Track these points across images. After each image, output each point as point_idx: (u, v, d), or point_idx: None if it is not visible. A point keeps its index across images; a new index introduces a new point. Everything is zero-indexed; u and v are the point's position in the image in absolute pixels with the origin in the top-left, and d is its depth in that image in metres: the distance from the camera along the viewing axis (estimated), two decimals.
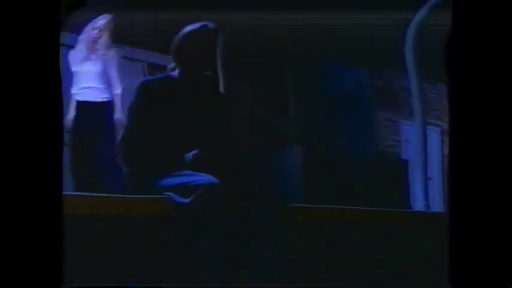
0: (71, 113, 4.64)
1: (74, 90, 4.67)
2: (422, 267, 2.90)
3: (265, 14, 4.93)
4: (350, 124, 7.30)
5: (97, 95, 4.67)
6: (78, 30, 4.73)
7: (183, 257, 2.45)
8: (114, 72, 4.70)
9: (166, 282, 2.44)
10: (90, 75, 4.68)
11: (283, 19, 5.28)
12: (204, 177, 2.57)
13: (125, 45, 5.42)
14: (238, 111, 3.11)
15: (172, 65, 2.99)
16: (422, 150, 4.40)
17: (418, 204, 4.34)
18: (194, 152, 2.77)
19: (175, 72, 2.97)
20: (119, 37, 4.81)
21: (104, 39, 4.71)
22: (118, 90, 4.69)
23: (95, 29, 4.70)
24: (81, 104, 4.65)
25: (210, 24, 2.95)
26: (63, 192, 2.03)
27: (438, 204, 6.78)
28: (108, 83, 4.70)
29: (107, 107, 4.66)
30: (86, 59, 4.69)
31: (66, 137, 4.48)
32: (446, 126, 7.55)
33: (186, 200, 2.49)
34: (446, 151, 7.82)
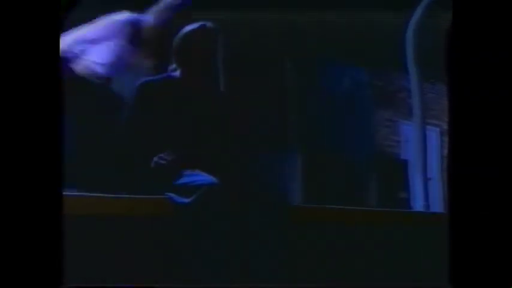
0: None
1: None
2: (422, 267, 2.90)
3: (265, 14, 4.93)
4: (350, 124, 7.29)
5: None
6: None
7: (183, 257, 2.45)
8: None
9: (167, 282, 2.44)
10: None
11: (283, 19, 5.28)
12: (204, 177, 2.57)
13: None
14: (238, 111, 3.11)
15: (174, 65, 2.99)
16: (422, 150, 4.39)
17: (418, 204, 4.33)
18: (194, 151, 2.77)
19: (176, 73, 2.97)
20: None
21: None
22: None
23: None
24: None
25: (210, 24, 2.95)
26: (63, 192, 2.03)
27: (438, 204, 6.78)
28: None
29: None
30: None
31: None
32: (445, 126, 7.55)
33: (186, 200, 2.49)
34: (445, 151, 7.82)
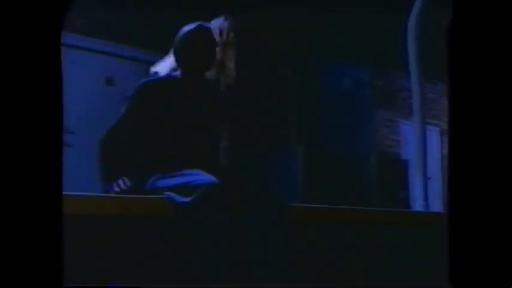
0: None
1: None
2: (422, 267, 2.90)
3: (265, 14, 4.93)
4: (350, 124, 7.29)
5: None
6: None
7: (183, 257, 2.45)
8: None
9: (167, 282, 2.44)
10: None
11: (283, 19, 5.28)
12: (204, 177, 2.57)
13: (125, 45, 5.42)
14: (239, 111, 3.11)
15: (174, 65, 3.00)
16: (422, 150, 4.39)
17: (418, 204, 4.33)
18: (194, 152, 2.77)
19: (177, 73, 2.97)
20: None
21: None
22: None
23: None
24: None
25: (210, 24, 2.96)
26: (63, 192, 2.03)
27: (438, 204, 6.78)
28: None
29: None
30: None
31: None
32: (445, 126, 7.55)
33: (186, 200, 2.49)
34: (445, 151, 7.83)
